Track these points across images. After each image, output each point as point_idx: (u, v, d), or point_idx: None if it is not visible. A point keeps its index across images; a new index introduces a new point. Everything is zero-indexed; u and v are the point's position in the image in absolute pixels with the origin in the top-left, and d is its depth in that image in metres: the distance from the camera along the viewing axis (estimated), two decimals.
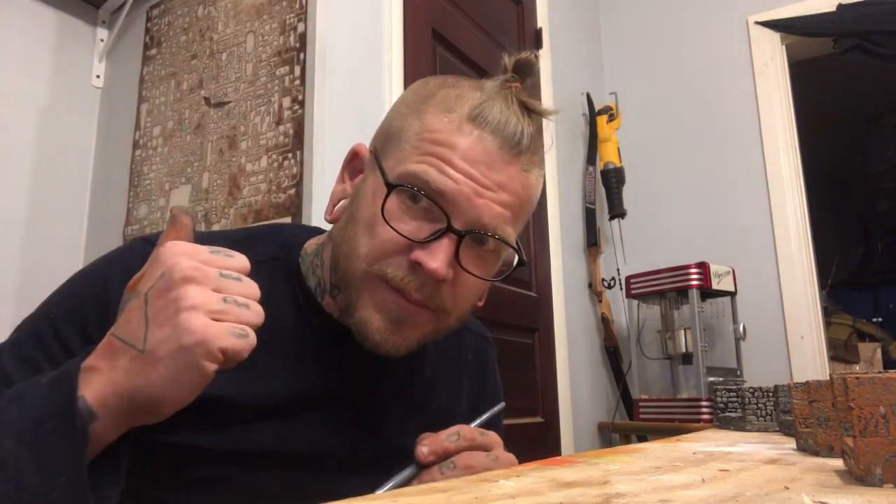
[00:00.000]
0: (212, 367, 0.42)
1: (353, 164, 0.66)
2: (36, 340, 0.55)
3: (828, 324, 2.89)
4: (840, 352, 3.26)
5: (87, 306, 0.56)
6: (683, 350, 2.24)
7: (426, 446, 0.56)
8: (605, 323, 2.49)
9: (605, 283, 2.53)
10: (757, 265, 2.42)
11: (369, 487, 0.53)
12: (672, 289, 2.27)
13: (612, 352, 2.49)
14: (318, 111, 1.36)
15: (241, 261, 0.47)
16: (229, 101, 1.52)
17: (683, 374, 2.28)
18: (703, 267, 2.23)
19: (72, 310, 0.57)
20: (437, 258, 0.55)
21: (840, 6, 2.45)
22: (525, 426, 1.93)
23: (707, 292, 2.27)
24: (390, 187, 0.57)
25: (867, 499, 0.35)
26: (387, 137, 0.62)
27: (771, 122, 2.51)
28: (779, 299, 2.38)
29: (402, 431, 0.64)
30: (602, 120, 2.60)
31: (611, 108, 2.61)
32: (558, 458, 0.59)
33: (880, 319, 4.06)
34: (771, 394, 0.90)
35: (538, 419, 2.02)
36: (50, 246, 1.69)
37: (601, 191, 2.58)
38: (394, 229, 0.56)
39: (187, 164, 1.57)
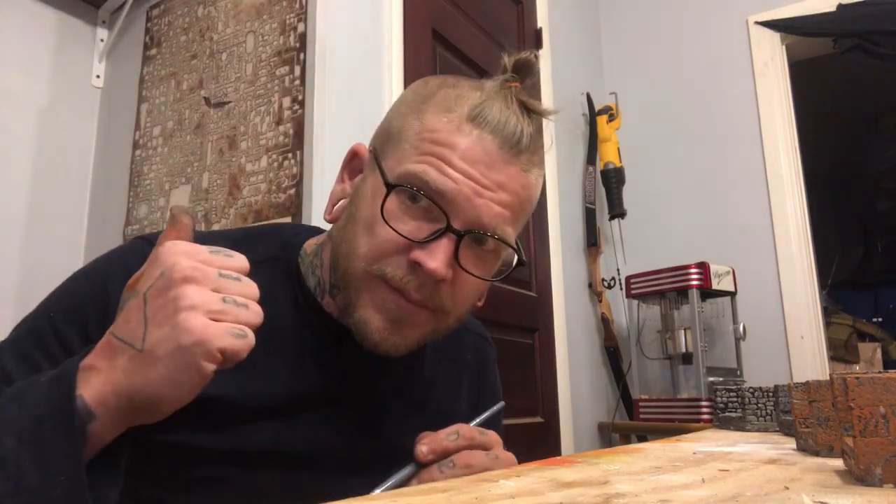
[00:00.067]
0: (210, 367, 0.42)
1: (353, 163, 0.66)
2: (36, 339, 0.55)
3: (828, 324, 2.89)
4: (840, 352, 3.26)
5: (87, 306, 0.56)
6: (683, 350, 2.24)
7: (425, 445, 0.56)
8: (605, 323, 2.49)
9: (605, 283, 2.53)
10: (757, 265, 2.42)
11: (369, 487, 0.53)
12: (672, 289, 2.27)
13: (612, 352, 2.49)
14: (318, 111, 1.36)
15: (240, 261, 0.47)
16: (229, 101, 1.52)
17: (683, 374, 2.28)
18: (703, 267, 2.23)
19: (71, 309, 0.57)
20: (436, 258, 0.55)
21: (840, 6, 2.45)
22: (525, 426, 1.93)
23: (707, 292, 2.27)
24: (390, 187, 0.57)
25: (867, 499, 0.35)
26: (386, 137, 0.62)
27: (771, 122, 2.51)
28: (779, 299, 2.38)
29: (401, 431, 0.64)
30: (602, 120, 2.60)
31: (611, 108, 2.61)
32: (558, 458, 0.59)
33: (880, 319, 4.06)
34: (771, 394, 0.90)
35: (538, 419, 2.02)
36: (50, 246, 1.69)
37: (601, 191, 2.58)
38: (393, 229, 0.56)
39: (187, 164, 1.57)
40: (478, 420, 0.64)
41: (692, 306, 2.20)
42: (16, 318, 0.59)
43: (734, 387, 0.94)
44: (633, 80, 2.84)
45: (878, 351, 3.45)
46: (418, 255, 0.56)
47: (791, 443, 0.66)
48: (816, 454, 0.55)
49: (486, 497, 0.37)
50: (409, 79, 1.60)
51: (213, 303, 0.43)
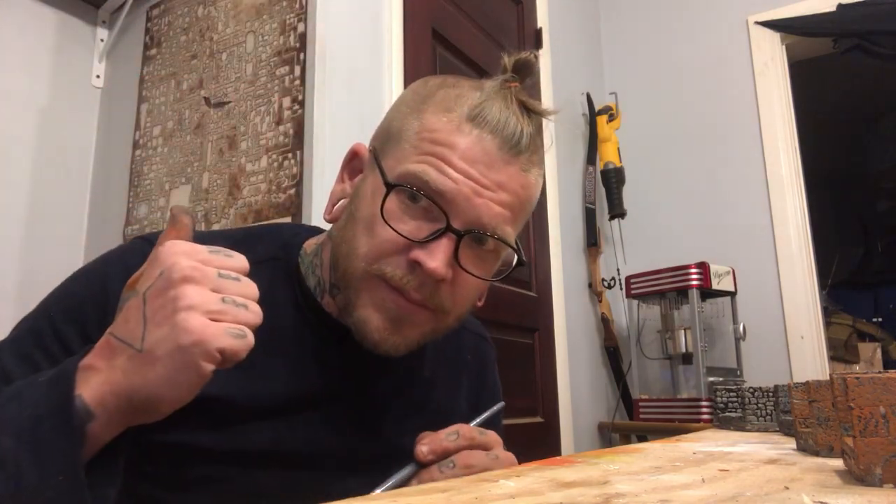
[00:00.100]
0: (209, 367, 0.42)
1: (353, 163, 0.66)
2: (35, 339, 0.55)
3: (828, 324, 2.89)
4: (840, 352, 3.26)
5: (87, 305, 0.56)
6: (683, 350, 2.24)
7: (426, 445, 0.56)
8: (605, 323, 2.49)
9: (605, 283, 2.53)
10: (757, 265, 2.42)
11: (369, 487, 0.53)
12: (672, 289, 2.27)
13: (612, 352, 2.49)
14: (318, 111, 1.36)
15: (239, 261, 0.47)
16: (229, 101, 1.52)
17: (683, 374, 2.28)
18: (703, 267, 2.23)
19: (71, 309, 0.57)
20: (436, 258, 0.55)
21: (840, 6, 2.45)
22: (525, 426, 1.93)
23: (707, 292, 2.27)
24: (390, 187, 0.57)
25: (867, 499, 0.35)
26: (386, 137, 0.62)
27: (771, 122, 2.51)
28: (779, 299, 2.38)
29: (401, 431, 0.64)
30: (602, 120, 2.60)
31: (611, 108, 2.61)
32: (558, 458, 0.59)
33: (880, 319, 4.06)
34: (771, 394, 0.90)
35: (538, 419, 2.02)
36: (50, 246, 1.69)
37: (601, 191, 2.58)
38: (393, 229, 0.56)
39: (187, 164, 1.57)
40: (478, 420, 0.64)
41: (692, 306, 2.20)
42: (16, 318, 0.59)
43: (734, 387, 0.94)
44: (633, 80, 2.84)
45: (878, 351, 3.45)
46: (418, 254, 0.56)
47: (791, 443, 0.66)
48: (816, 454, 0.55)
49: (486, 497, 0.37)
50: (409, 79, 1.60)
51: (212, 303, 0.43)
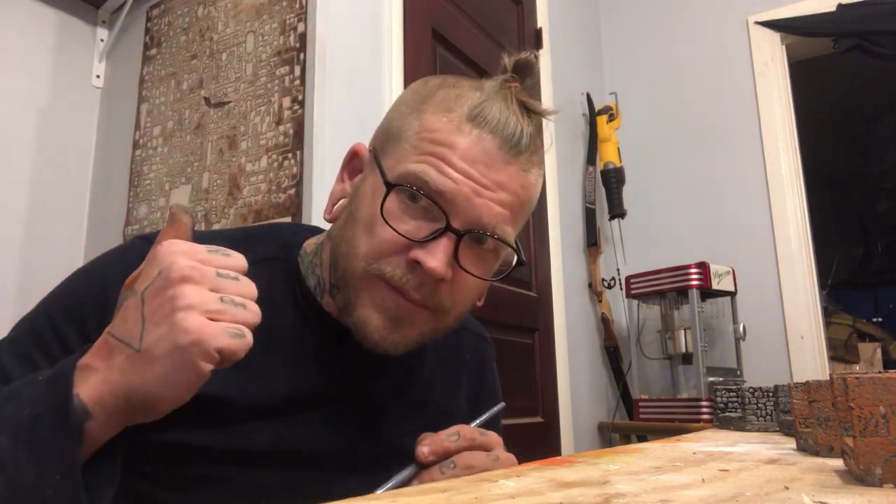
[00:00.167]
0: (208, 366, 0.42)
1: (353, 163, 0.66)
2: (35, 338, 0.55)
3: (828, 324, 2.89)
4: (840, 352, 3.26)
5: (86, 305, 0.56)
6: (683, 350, 2.24)
7: (427, 446, 0.56)
8: (605, 323, 2.49)
9: (605, 283, 2.53)
10: (757, 265, 2.42)
11: (369, 487, 0.53)
12: (672, 289, 2.27)
13: (612, 352, 2.49)
14: (318, 111, 1.36)
15: (238, 260, 0.47)
16: (229, 101, 1.52)
17: (683, 374, 2.28)
18: (703, 267, 2.23)
19: (70, 308, 0.57)
20: (436, 257, 0.55)
21: (840, 6, 2.45)
22: (525, 426, 1.93)
23: (707, 292, 2.27)
24: (389, 187, 0.57)
25: (867, 499, 0.35)
26: (386, 137, 0.62)
27: (771, 122, 2.51)
28: (779, 299, 2.38)
29: (401, 431, 0.64)
30: (602, 120, 2.60)
31: (611, 108, 2.61)
32: (558, 458, 0.59)
33: (880, 319, 4.06)
34: (771, 394, 0.90)
35: (538, 419, 2.02)
36: (50, 246, 1.69)
37: (601, 191, 2.58)
38: (393, 229, 0.56)
39: (187, 164, 1.57)
40: (478, 421, 0.64)
41: (692, 306, 2.20)
42: (16, 318, 0.59)
43: (734, 387, 0.94)
44: (633, 80, 2.84)
45: (878, 351, 3.45)
46: (418, 254, 0.56)
47: (791, 443, 0.66)
48: (816, 454, 0.55)
49: (486, 497, 0.37)
50: (409, 79, 1.60)
51: (210, 302, 0.43)
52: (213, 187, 1.50)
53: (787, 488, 0.39)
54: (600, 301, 2.50)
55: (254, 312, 0.45)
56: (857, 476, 0.40)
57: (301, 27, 1.43)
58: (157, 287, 0.44)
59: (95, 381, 0.43)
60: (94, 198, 1.80)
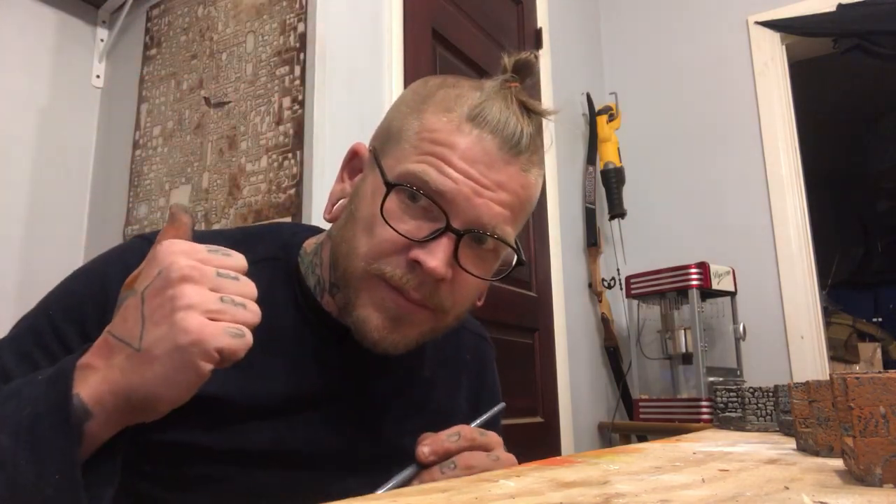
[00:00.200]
0: (207, 366, 0.42)
1: (353, 163, 0.66)
2: (35, 337, 0.55)
3: (828, 324, 2.89)
4: (840, 352, 3.26)
5: (86, 304, 0.56)
6: (683, 350, 2.24)
7: (427, 446, 0.56)
8: (605, 323, 2.49)
9: (605, 283, 2.53)
10: (757, 265, 2.42)
11: (369, 487, 0.53)
12: (672, 289, 2.27)
13: (612, 352, 2.49)
14: (318, 111, 1.36)
15: (238, 260, 0.47)
16: (229, 101, 1.52)
17: (683, 374, 2.28)
18: (703, 267, 2.23)
19: (71, 308, 0.57)
20: (436, 257, 0.55)
21: (840, 6, 2.45)
22: (525, 426, 1.93)
23: (707, 292, 2.27)
24: (389, 186, 0.57)
25: (867, 499, 0.35)
26: (386, 137, 0.62)
27: (771, 122, 2.51)
28: (779, 299, 2.38)
29: (401, 431, 0.64)
30: (602, 120, 2.60)
31: (611, 108, 2.61)
32: (558, 458, 0.59)
33: (880, 319, 4.06)
34: (771, 394, 0.90)
35: (538, 419, 2.02)
36: (50, 246, 1.69)
37: (601, 191, 2.58)
38: (393, 228, 0.56)
39: (187, 164, 1.57)
40: (479, 421, 0.64)
41: (692, 306, 2.20)
42: (16, 318, 0.59)
43: (734, 387, 0.94)
44: (633, 80, 2.84)
45: (878, 351, 3.45)
46: (418, 254, 0.56)
47: (791, 443, 0.66)
48: (816, 454, 0.55)
49: (486, 497, 0.37)
50: (409, 79, 1.60)
51: (210, 302, 0.43)
52: (213, 187, 1.50)
53: (787, 488, 0.39)
54: (600, 301, 2.51)
55: (254, 312, 0.45)
56: (857, 476, 0.40)
57: (301, 27, 1.43)
58: (157, 287, 0.44)
59: (95, 380, 0.43)
60: (94, 198, 1.80)
